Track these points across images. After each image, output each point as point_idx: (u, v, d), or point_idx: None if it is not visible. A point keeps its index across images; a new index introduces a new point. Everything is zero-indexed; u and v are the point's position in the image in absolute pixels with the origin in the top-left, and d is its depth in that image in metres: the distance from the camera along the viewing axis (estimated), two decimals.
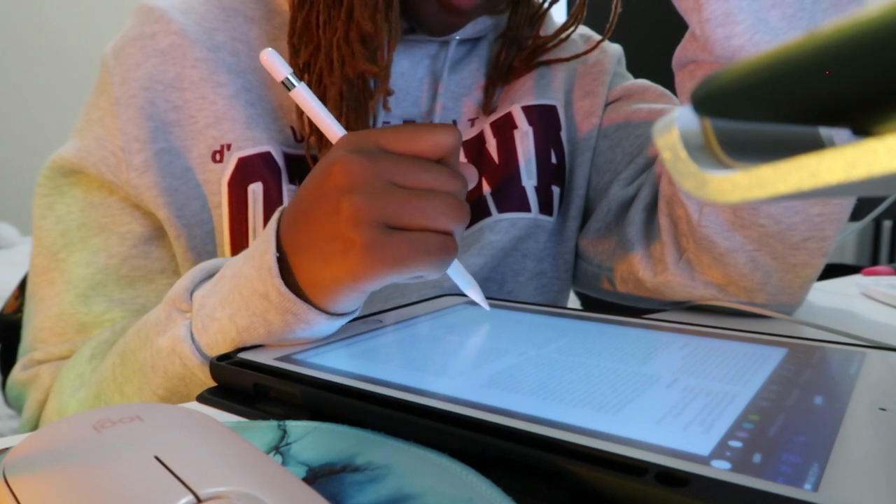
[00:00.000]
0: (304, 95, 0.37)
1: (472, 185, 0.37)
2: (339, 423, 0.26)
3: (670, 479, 0.20)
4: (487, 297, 0.47)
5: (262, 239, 0.35)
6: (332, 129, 0.37)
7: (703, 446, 0.22)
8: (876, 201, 0.61)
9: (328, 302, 0.34)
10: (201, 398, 0.31)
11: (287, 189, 0.50)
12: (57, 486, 0.16)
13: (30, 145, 2.71)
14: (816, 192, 0.13)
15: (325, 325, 0.35)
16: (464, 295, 0.48)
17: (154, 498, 0.16)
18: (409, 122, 0.34)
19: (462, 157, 0.56)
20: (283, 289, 0.33)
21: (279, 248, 0.34)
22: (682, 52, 0.46)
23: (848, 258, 2.47)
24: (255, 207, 0.49)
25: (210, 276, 0.39)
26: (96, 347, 0.47)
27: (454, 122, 0.57)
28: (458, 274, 0.39)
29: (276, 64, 0.37)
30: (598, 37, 0.64)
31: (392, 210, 0.31)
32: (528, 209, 0.56)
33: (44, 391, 0.49)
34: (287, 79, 0.37)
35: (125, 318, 0.51)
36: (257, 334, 0.34)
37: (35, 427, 0.50)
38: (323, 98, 0.49)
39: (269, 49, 0.37)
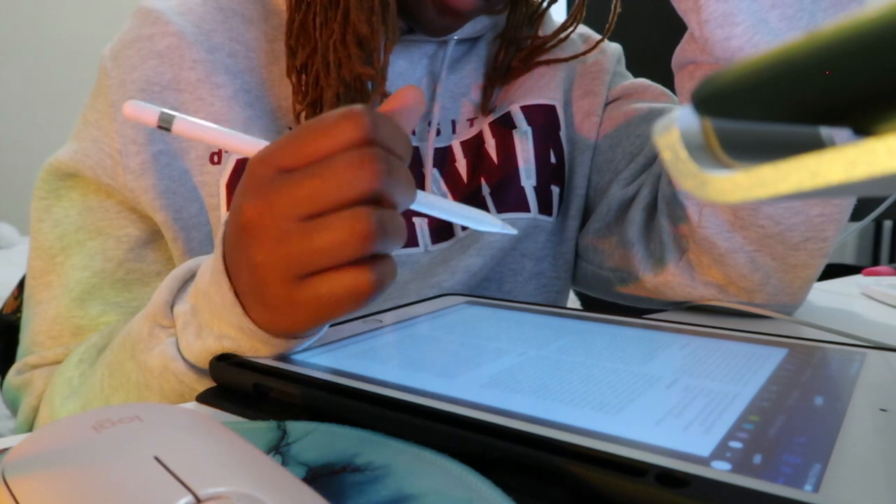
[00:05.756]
0: (188, 126, 0.33)
1: (417, 113, 0.33)
2: (339, 424, 0.26)
3: (670, 479, 0.20)
4: (487, 298, 0.47)
5: (216, 269, 0.33)
6: (241, 146, 0.33)
7: (704, 447, 0.22)
8: (876, 201, 0.61)
9: (291, 335, 0.32)
10: (201, 398, 0.31)
11: None
12: (56, 486, 0.16)
13: (30, 145, 2.71)
14: (817, 192, 0.13)
15: (305, 343, 0.34)
16: (462, 298, 0.48)
17: (154, 498, 0.16)
18: (308, 121, 0.30)
19: (461, 158, 0.56)
20: (254, 327, 0.32)
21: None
22: (681, 53, 0.46)
23: (848, 258, 2.47)
24: None
25: (186, 281, 0.38)
26: (84, 352, 0.47)
27: (452, 122, 0.57)
28: (456, 214, 0.34)
29: (143, 110, 0.32)
30: (597, 36, 0.64)
31: (293, 261, 0.28)
32: (527, 209, 0.56)
33: (37, 396, 0.49)
34: (161, 115, 0.32)
35: (121, 320, 0.51)
36: (244, 353, 0.34)
37: (29, 431, 0.50)
38: (320, 100, 0.48)
39: (131, 101, 0.33)
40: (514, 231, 0.36)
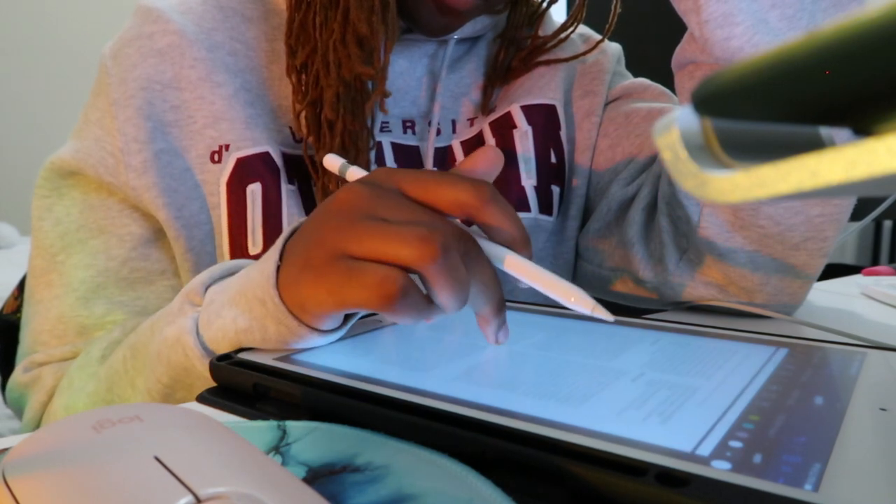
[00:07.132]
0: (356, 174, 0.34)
1: (492, 174, 0.34)
2: (339, 423, 0.26)
3: (670, 479, 0.20)
4: None
5: (274, 245, 0.34)
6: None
7: (704, 446, 0.22)
8: (876, 201, 0.61)
9: (305, 318, 0.32)
10: (201, 398, 0.31)
11: (286, 189, 0.50)
12: (56, 486, 0.16)
13: (30, 145, 2.71)
14: (817, 192, 0.13)
15: (316, 340, 0.34)
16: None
17: (154, 498, 0.16)
18: (437, 171, 0.30)
19: (462, 158, 0.56)
20: (277, 300, 0.32)
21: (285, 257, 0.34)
22: (681, 53, 0.46)
23: (848, 258, 2.47)
24: (254, 208, 0.49)
25: (231, 274, 0.39)
26: (107, 348, 0.47)
27: (453, 122, 0.57)
28: (539, 280, 0.30)
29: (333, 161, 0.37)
30: (597, 36, 0.64)
31: (353, 239, 0.29)
32: (527, 209, 0.56)
33: (46, 392, 0.49)
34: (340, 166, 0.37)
35: (127, 319, 0.51)
36: (253, 339, 0.34)
37: (36, 428, 0.50)
38: (320, 99, 0.49)
39: (329, 154, 0.37)
40: (610, 318, 0.29)
